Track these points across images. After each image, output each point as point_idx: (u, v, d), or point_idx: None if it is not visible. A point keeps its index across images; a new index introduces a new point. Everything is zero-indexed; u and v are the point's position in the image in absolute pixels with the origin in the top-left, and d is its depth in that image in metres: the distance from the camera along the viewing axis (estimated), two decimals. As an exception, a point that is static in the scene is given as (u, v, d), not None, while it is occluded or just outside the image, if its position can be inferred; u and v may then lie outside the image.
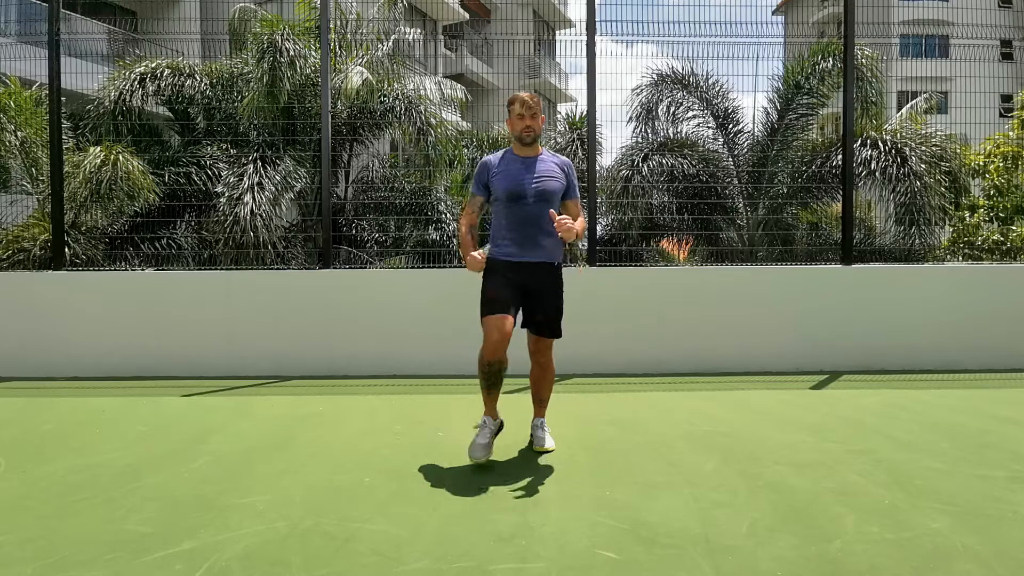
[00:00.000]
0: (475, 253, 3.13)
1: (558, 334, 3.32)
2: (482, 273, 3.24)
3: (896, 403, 4.47)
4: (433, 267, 6.43)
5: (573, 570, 2.14)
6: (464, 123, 9.62)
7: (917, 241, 7.72)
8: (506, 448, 3.43)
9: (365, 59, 8.32)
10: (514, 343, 3.18)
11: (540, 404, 3.52)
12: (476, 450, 3.11)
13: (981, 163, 9.07)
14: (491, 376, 3.13)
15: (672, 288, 5.65)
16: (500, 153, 3.34)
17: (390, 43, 8.68)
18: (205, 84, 8.19)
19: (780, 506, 2.65)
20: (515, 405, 4.00)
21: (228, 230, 6.90)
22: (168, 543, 2.33)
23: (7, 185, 7.77)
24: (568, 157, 8.83)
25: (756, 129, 8.82)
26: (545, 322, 3.27)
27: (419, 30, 9.32)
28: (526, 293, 3.21)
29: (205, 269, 6.61)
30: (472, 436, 3.25)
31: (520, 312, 3.27)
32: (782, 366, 5.51)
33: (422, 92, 8.38)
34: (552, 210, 3.11)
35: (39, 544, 2.34)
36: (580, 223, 3.20)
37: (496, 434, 3.24)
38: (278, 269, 6.43)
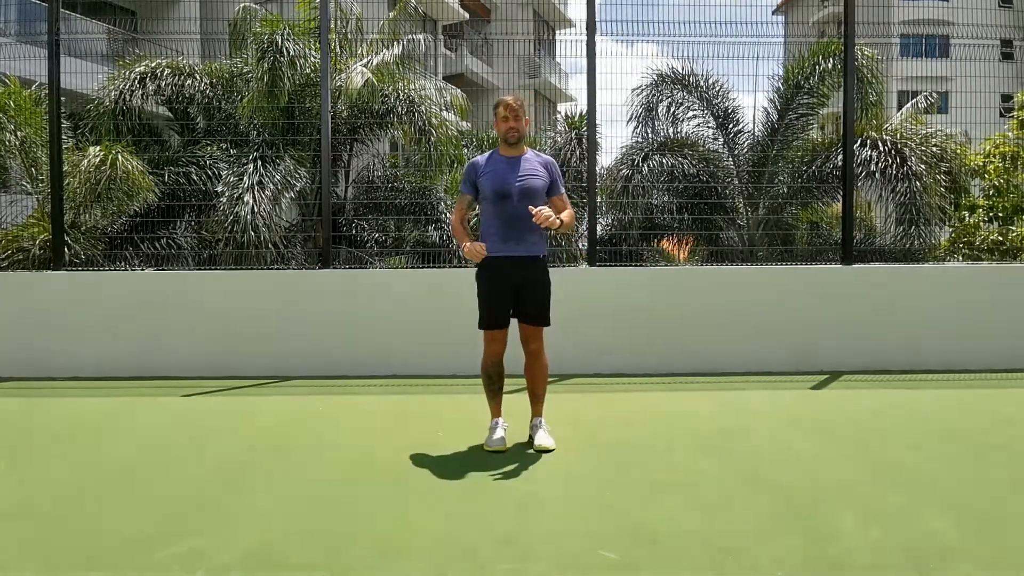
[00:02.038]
0: (476, 245, 3.32)
1: (547, 322, 3.52)
2: (475, 270, 3.48)
3: (896, 403, 4.48)
4: (433, 267, 6.42)
5: (573, 570, 2.14)
6: (464, 123, 9.59)
7: (917, 241, 7.71)
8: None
9: (374, 63, 8.30)
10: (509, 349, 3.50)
11: (537, 401, 3.60)
12: (494, 442, 3.43)
13: (980, 163, 9.06)
14: (493, 381, 3.52)
15: (672, 288, 5.64)
16: (487, 154, 3.54)
17: (401, 47, 8.65)
18: (205, 84, 8.18)
19: (780, 506, 2.65)
20: (514, 406, 3.99)
21: (228, 229, 6.90)
22: (168, 543, 2.33)
23: (7, 185, 7.76)
24: (568, 157, 8.87)
25: (756, 129, 8.80)
26: (536, 313, 3.47)
27: (422, 35, 9.23)
28: (516, 288, 3.42)
29: (205, 269, 6.61)
30: (485, 436, 3.53)
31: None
32: (782, 366, 5.51)
33: (424, 92, 8.37)
34: (531, 206, 3.28)
35: (39, 545, 2.34)
36: (566, 214, 3.42)
37: (506, 431, 3.53)
38: (278, 269, 6.43)
